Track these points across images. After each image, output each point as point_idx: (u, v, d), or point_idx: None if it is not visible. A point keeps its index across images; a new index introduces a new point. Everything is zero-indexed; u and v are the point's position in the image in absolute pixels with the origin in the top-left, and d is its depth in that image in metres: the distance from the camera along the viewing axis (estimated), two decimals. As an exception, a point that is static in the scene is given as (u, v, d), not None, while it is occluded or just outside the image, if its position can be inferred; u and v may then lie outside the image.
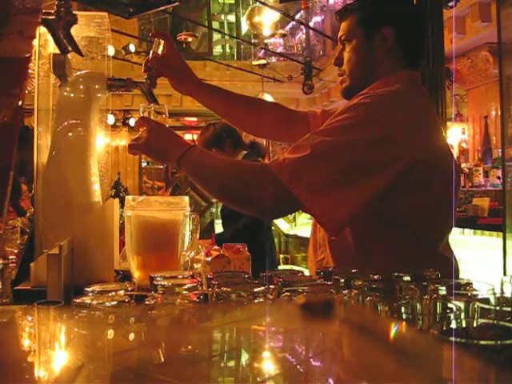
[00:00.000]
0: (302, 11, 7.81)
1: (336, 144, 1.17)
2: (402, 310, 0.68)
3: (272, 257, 3.44)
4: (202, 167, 1.25)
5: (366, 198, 1.16)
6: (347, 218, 1.16)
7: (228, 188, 1.24)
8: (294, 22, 8.25)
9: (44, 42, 1.35)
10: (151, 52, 1.45)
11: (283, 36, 7.63)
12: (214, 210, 5.26)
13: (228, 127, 3.18)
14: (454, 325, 0.62)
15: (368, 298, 0.72)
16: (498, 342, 0.50)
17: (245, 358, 0.54)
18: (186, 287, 0.83)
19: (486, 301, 0.69)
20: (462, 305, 0.67)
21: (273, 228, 7.00)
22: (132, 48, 6.30)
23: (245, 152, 3.19)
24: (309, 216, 1.51)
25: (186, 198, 1.32)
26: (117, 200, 1.34)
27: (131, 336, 0.63)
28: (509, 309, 0.66)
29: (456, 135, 5.66)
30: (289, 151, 1.19)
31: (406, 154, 1.19)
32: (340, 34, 1.42)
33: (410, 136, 1.22)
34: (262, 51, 8.13)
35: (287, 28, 8.74)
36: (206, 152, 1.28)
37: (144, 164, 8.62)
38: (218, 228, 3.95)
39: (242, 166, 1.33)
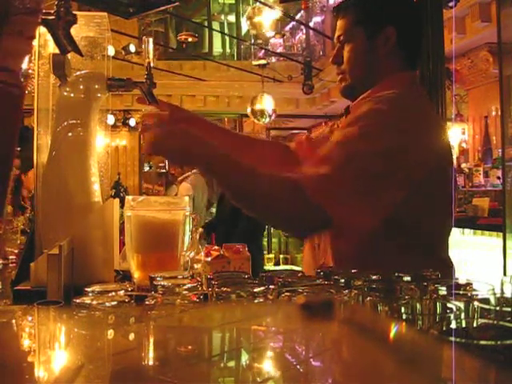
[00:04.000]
0: (302, 11, 7.82)
1: (361, 154, 1.17)
2: (402, 310, 0.68)
3: (260, 257, 3.53)
4: (231, 177, 1.19)
5: (394, 202, 1.18)
6: (377, 224, 1.18)
7: (257, 204, 1.21)
8: (294, 22, 8.25)
9: (44, 42, 1.35)
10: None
11: (283, 36, 7.64)
12: (213, 210, 5.26)
13: None
14: (453, 325, 0.62)
15: (368, 298, 0.72)
16: (498, 342, 0.50)
17: (245, 358, 0.54)
18: (186, 287, 0.83)
19: (486, 301, 0.69)
20: (461, 305, 0.67)
21: (272, 228, 7.02)
22: (132, 48, 6.30)
23: None
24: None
25: (186, 198, 1.32)
26: (117, 200, 1.33)
27: (131, 336, 0.63)
28: (509, 309, 0.66)
29: (456, 135, 5.66)
30: (315, 164, 1.19)
31: (427, 157, 1.21)
32: (338, 33, 1.39)
33: (428, 141, 1.24)
34: (262, 51, 8.13)
35: (287, 28, 8.75)
36: (234, 161, 1.20)
37: (146, 168, 8.61)
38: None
39: (272, 179, 1.22)
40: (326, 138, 1.57)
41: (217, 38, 10.17)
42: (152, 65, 1.43)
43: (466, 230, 4.00)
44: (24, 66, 0.98)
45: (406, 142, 1.20)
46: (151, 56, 1.43)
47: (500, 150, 4.01)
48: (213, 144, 1.19)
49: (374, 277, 0.87)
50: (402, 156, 1.19)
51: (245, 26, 7.63)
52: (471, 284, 0.80)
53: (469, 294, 0.75)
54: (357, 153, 1.17)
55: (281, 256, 7.44)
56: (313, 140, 1.64)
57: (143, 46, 1.42)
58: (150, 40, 1.42)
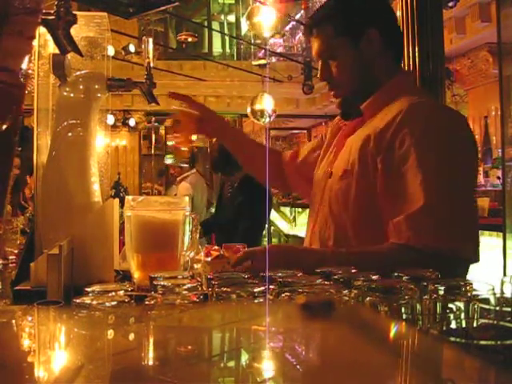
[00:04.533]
0: (302, 11, 7.82)
1: (453, 188, 1.19)
2: (402, 310, 0.68)
3: None
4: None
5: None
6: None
7: None
8: (294, 22, 8.25)
9: (44, 42, 1.35)
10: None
11: (283, 36, 7.63)
12: (213, 209, 5.26)
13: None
14: (454, 325, 0.62)
15: (368, 298, 0.72)
16: (498, 342, 0.50)
17: (245, 358, 0.54)
18: (186, 287, 0.83)
19: (486, 301, 0.69)
20: (461, 305, 0.67)
21: (272, 228, 7.03)
22: (132, 48, 6.31)
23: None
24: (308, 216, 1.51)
25: (186, 198, 1.31)
26: (117, 200, 1.33)
27: (131, 336, 0.63)
28: (509, 309, 0.66)
29: (456, 135, 5.65)
30: (399, 208, 1.17)
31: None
32: (320, 49, 1.34)
33: None
34: (262, 51, 8.13)
35: (287, 28, 8.75)
36: (344, 258, 1.18)
37: (169, 161, 8.61)
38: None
39: (382, 257, 1.19)
40: (315, 155, 1.56)
41: (217, 38, 10.17)
42: (152, 65, 1.43)
43: (466, 230, 3.99)
44: (24, 66, 0.99)
45: (468, 145, 1.28)
46: (151, 56, 1.43)
47: (500, 150, 4.01)
48: (320, 252, 1.26)
49: (374, 277, 0.87)
50: (470, 160, 1.27)
51: (245, 26, 7.63)
52: (471, 284, 0.80)
53: (469, 294, 0.75)
54: (450, 189, 1.18)
55: (281, 256, 7.42)
56: (297, 157, 1.64)
57: (143, 46, 1.42)
58: (150, 40, 1.42)
